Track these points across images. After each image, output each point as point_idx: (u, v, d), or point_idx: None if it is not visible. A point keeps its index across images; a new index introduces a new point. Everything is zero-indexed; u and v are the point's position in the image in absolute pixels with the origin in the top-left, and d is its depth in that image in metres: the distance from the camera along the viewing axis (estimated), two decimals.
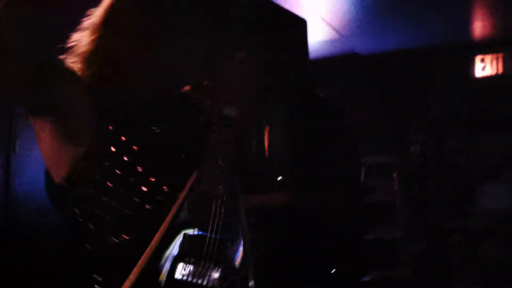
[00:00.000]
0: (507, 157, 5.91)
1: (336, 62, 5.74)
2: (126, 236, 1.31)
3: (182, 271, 1.31)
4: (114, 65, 1.39)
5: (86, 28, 1.42)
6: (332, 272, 4.06)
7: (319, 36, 5.41)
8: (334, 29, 5.37)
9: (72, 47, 1.42)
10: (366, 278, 5.32)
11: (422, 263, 5.88)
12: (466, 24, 5.77)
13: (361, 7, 5.12)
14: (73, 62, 1.41)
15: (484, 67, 6.24)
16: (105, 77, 1.38)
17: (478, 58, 6.30)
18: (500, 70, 6.16)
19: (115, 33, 1.40)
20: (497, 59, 6.21)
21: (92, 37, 1.40)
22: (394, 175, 6.04)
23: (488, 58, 6.27)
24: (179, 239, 1.34)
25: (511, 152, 5.87)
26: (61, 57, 1.42)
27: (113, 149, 1.31)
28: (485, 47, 6.25)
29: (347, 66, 5.93)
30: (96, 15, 1.43)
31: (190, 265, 1.32)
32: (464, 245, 5.90)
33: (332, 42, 5.66)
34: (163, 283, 1.30)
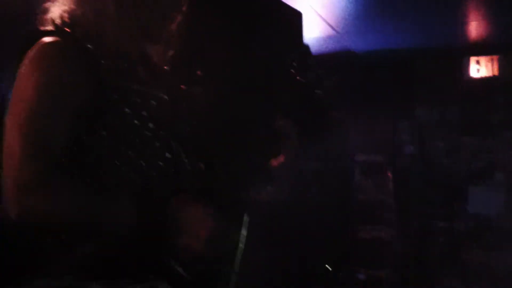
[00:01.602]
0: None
1: (330, 59, 5.70)
2: None
3: None
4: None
5: None
6: (324, 267, 4.03)
7: (314, 32, 5.36)
8: (330, 25, 5.32)
9: None
10: (356, 277, 5.30)
11: (410, 264, 5.87)
12: (462, 25, 5.75)
13: (357, 4, 5.07)
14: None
15: (479, 69, 6.22)
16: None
17: (473, 60, 6.29)
18: (496, 72, 6.15)
19: None
20: (492, 61, 6.19)
21: None
22: (389, 174, 6.02)
23: (483, 60, 6.25)
24: None
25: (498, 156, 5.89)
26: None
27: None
28: (480, 48, 6.23)
29: (341, 63, 5.89)
30: None
31: None
32: (449, 247, 5.91)
33: (327, 38, 5.62)
34: None
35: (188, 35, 1.56)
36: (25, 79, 1.24)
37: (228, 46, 2.67)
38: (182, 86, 1.58)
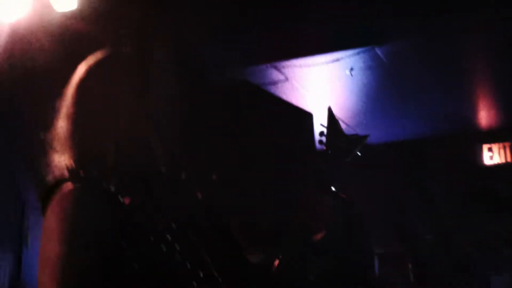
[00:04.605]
0: None
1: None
2: None
3: None
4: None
5: (63, 111, 1.42)
6: None
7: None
8: (340, 119, 5.49)
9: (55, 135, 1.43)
10: None
11: None
12: (472, 113, 5.88)
13: (367, 100, 5.26)
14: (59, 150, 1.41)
15: (492, 156, 6.29)
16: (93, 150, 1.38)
17: (485, 147, 6.37)
18: (509, 159, 6.21)
19: (92, 106, 1.39)
20: (504, 147, 6.27)
21: (70, 116, 1.40)
22: (410, 265, 5.97)
23: (495, 147, 6.33)
24: None
25: None
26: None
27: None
28: (492, 136, 6.32)
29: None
30: (68, 92, 1.43)
31: None
32: None
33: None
34: None
35: (204, 145, 1.62)
36: (50, 234, 1.29)
37: (247, 146, 2.77)
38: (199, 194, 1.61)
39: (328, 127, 1.79)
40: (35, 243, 4.61)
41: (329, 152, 1.75)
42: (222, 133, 2.71)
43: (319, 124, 1.82)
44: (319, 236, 1.64)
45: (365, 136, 1.83)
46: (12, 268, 4.50)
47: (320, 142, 1.78)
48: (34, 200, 4.59)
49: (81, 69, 1.45)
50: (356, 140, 1.82)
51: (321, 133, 1.79)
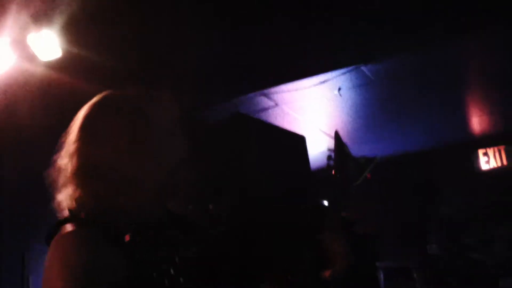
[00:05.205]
0: None
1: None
2: None
3: None
4: (103, 177, 1.36)
5: (66, 149, 1.41)
6: None
7: (320, 147, 5.51)
8: (333, 138, 5.49)
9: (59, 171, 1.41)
10: None
11: None
12: (464, 121, 5.90)
13: (358, 117, 5.27)
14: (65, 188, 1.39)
15: (488, 160, 6.30)
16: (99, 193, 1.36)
17: (481, 152, 6.39)
18: (505, 162, 6.22)
19: (96, 145, 1.38)
20: (499, 151, 6.28)
21: (74, 155, 1.38)
22: (415, 275, 5.92)
23: (490, 151, 6.35)
24: None
25: None
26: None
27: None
28: (486, 141, 6.34)
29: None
30: (72, 131, 1.42)
31: None
32: None
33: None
34: None
35: (203, 180, 1.61)
36: (50, 273, 1.27)
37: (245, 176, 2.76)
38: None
39: (335, 151, 1.77)
40: (35, 286, 4.74)
41: (338, 176, 1.73)
42: (222, 167, 2.70)
43: (327, 149, 1.79)
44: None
45: (374, 158, 1.80)
46: None
47: (328, 166, 1.75)
48: (34, 243, 4.68)
49: (85, 109, 1.44)
50: (365, 162, 1.79)
51: (329, 157, 1.76)
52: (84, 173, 1.37)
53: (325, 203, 2.29)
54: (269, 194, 2.67)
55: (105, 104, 1.44)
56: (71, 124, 1.43)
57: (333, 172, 1.75)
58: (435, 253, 6.19)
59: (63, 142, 1.43)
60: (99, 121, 1.41)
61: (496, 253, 5.96)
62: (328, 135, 5.45)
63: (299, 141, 3.50)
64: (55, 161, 1.43)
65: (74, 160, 1.38)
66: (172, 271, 1.38)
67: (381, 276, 5.85)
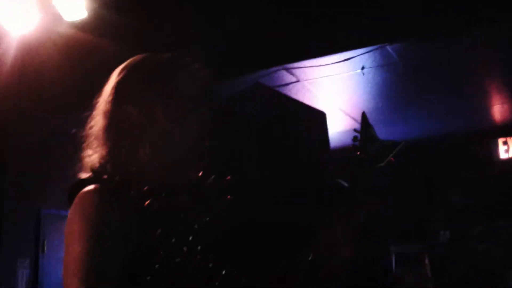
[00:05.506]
0: None
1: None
2: None
3: None
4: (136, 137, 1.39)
5: (98, 109, 1.44)
6: None
7: (338, 126, 5.49)
8: (352, 117, 5.46)
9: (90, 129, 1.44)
10: None
11: None
12: (488, 109, 5.84)
13: (379, 98, 5.23)
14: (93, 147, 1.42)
15: (508, 149, 6.25)
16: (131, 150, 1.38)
17: (500, 141, 6.33)
18: None
19: (127, 105, 1.40)
20: None
21: (105, 114, 1.41)
22: (426, 261, 5.93)
23: (510, 140, 6.28)
24: None
25: None
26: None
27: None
28: (507, 130, 6.28)
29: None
30: (105, 91, 1.44)
31: None
32: None
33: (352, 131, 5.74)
34: None
35: (221, 154, 1.61)
36: (72, 233, 1.29)
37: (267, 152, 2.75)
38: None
39: (361, 133, 1.77)
40: (50, 248, 4.86)
41: (362, 157, 1.72)
42: (240, 138, 2.69)
43: (353, 130, 1.79)
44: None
45: (400, 142, 1.79)
46: (30, 271, 4.80)
47: (354, 146, 1.75)
48: (49, 208, 4.78)
49: (118, 70, 1.46)
50: (390, 146, 1.78)
51: (355, 138, 1.76)
52: (113, 131, 1.40)
53: (344, 183, 2.28)
54: (270, 190, 2.66)
55: (138, 66, 1.46)
56: (105, 84, 1.45)
57: (357, 153, 1.75)
58: (446, 240, 6.19)
59: (96, 103, 1.45)
60: (131, 82, 1.43)
61: (503, 244, 5.94)
62: (348, 114, 5.42)
63: (319, 116, 3.48)
64: (85, 121, 1.45)
65: (105, 118, 1.41)
66: (190, 238, 1.39)
67: (393, 259, 5.87)
